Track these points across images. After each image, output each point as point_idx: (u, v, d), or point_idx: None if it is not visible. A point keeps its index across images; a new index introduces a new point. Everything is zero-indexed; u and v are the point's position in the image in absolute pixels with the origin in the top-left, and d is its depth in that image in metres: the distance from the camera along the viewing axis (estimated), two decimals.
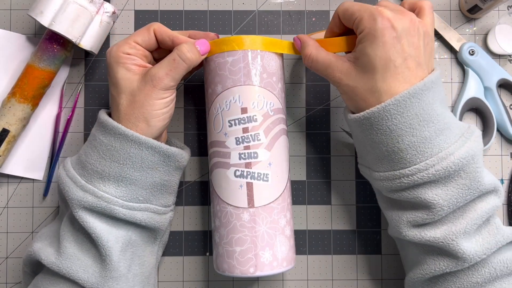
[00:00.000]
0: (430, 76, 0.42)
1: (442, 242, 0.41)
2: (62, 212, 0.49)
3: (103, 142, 0.44)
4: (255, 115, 0.46)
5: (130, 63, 0.45)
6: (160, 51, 0.49)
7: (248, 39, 0.46)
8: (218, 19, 0.56)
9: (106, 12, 0.51)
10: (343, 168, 0.55)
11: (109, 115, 0.47)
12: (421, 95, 0.41)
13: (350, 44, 0.46)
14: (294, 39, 0.48)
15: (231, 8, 0.56)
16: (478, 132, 0.44)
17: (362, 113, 0.42)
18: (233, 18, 0.56)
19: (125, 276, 0.45)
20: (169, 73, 0.44)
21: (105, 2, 0.51)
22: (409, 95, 0.40)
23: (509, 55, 0.56)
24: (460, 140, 0.42)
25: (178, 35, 0.47)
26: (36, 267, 0.48)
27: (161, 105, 0.45)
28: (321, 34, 0.50)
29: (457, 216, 0.42)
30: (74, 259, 0.44)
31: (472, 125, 0.44)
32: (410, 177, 0.41)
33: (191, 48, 0.45)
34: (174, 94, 0.46)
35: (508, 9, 0.56)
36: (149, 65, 0.46)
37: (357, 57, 0.42)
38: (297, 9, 0.56)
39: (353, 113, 0.44)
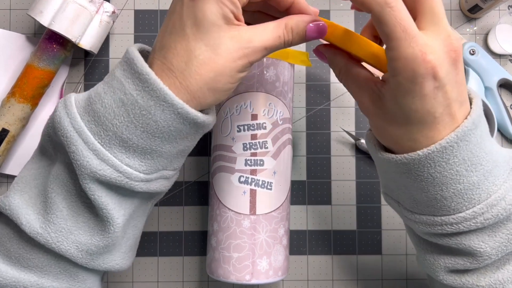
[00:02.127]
0: (476, 109, 0.34)
1: None
2: (46, 154, 0.39)
3: (138, 103, 0.34)
4: (265, 123, 0.46)
5: (229, 6, 0.33)
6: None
7: None
8: None
9: (105, 11, 0.51)
10: (343, 168, 0.55)
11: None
12: (470, 136, 0.34)
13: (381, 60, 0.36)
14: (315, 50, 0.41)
15: None
16: None
17: (398, 157, 0.35)
18: None
19: (119, 244, 0.39)
20: (269, 44, 0.35)
21: (104, 1, 0.51)
22: (457, 139, 0.33)
23: (510, 55, 0.56)
24: (509, 179, 0.36)
25: None
26: None
27: (237, 79, 0.35)
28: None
29: (503, 262, 0.37)
30: (66, 233, 0.36)
31: None
32: (454, 225, 0.35)
33: (298, 26, 0.36)
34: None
35: (509, 9, 0.56)
36: (242, 23, 0.35)
37: (385, 98, 0.35)
38: None
39: (381, 145, 0.37)
